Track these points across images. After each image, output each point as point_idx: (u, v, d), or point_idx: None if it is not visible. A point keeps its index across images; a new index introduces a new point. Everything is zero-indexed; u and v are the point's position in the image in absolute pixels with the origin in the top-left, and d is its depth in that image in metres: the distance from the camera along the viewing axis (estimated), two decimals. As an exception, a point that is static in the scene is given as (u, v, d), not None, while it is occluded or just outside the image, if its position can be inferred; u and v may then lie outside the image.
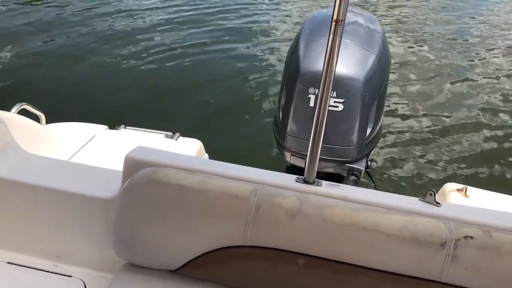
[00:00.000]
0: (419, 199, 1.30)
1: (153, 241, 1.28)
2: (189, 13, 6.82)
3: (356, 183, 1.92)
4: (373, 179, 2.28)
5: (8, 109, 1.94)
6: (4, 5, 6.61)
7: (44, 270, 1.51)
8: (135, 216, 1.29)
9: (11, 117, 1.83)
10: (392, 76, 4.78)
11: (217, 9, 7.03)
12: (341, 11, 1.11)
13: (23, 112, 1.97)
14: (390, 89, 4.64)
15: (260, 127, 4.00)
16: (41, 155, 1.75)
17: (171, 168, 1.33)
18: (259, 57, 5.46)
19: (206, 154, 2.41)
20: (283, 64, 2.20)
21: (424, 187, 3.36)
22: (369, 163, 2.02)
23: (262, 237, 1.22)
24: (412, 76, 5.18)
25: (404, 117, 4.33)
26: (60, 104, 4.07)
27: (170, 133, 2.32)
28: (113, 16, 6.49)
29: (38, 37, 5.66)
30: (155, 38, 5.82)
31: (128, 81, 4.76)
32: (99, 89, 4.52)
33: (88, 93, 4.43)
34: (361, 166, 1.95)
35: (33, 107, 2.06)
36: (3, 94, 4.32)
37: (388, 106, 4.39)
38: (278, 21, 6.68)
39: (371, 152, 2.03)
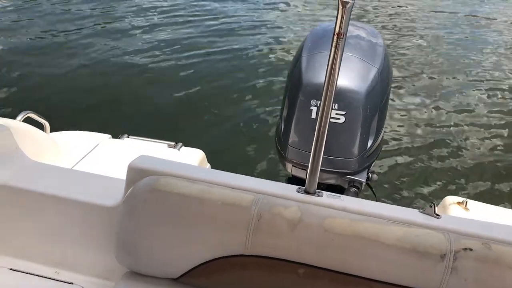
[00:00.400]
0: (419, 211, 1.31)
1: (155, 249, 1.29)
2: (189, 18, 6.91)
3: (357, 195, 1.93)
4: (374, 191, 2.29)
5: (13, 117, 1.96)
6: None
7: (45, 277, 1.52)
8: (137, 224, 1.30)
9: (16, 125, 1.85)
10: (393, 89, 4.80)
11: (220, 18, 7.12)
12: (343, 25, 1.13)
13: (28, 120, 1.99)
14: (392, 102, 4.66)
15: (262, 138, 4.02)
16: (45, 162, 1.77)
17: (174, 177, 1.34)
18: (262, 68, 5.50)
19: (208, 164, 2.42)
20: (286, 76, 2.23)
21: (425, 200, 3.37)
22: (370, 175, 2.02)
23: (263, 247, 1.22)
24: (413, 89, 5.20)
25: (406, 130, 4.35)
26: (64, 112, 4.10)
27: (173, 143, 2.34)
28: (107, 21, 6.56)
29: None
30: (158, 45, 5.87)
31: (131, 90, 4.79)
32: (102, 98, 4.56)
33: (92, 102, 4.46)
34: (362, 178, 1.95)
35: (37, 115, 2.09)
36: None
37: (390, 118, 4.41)
38: (281, 32, 6.73)
39: (372, 164, 2.04)
